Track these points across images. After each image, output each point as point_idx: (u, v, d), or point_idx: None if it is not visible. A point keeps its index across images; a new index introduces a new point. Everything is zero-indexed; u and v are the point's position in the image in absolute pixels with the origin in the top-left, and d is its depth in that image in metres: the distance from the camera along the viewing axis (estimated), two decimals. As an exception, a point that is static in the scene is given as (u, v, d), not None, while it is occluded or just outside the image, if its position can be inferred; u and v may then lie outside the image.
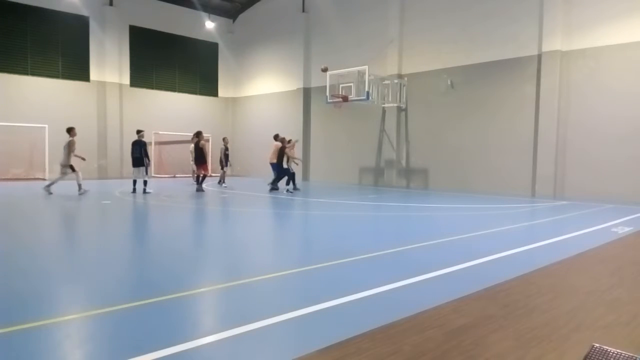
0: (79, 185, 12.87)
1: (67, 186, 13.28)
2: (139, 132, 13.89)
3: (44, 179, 19.14)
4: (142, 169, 13.60)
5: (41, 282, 4.40)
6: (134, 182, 13.79)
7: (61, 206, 10.93)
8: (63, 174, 13.03)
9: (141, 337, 3.01)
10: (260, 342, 2.96)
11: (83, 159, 13.12)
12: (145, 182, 13.69)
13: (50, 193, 12.81)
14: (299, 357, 2.66)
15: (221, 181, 17.33)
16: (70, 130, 12.90)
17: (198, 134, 14.92)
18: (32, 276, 4.59)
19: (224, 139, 17.80)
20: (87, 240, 7.03)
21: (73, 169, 12.87)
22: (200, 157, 14.73)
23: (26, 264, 5.11)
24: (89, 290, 4.21)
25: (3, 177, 18.48)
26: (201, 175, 14.70)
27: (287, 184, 14.94)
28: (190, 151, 16.53)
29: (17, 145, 19.00)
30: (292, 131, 20.60)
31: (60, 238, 7.34)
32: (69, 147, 12.76)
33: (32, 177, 19.40)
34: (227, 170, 17.73)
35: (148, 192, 13.52)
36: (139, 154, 13.51)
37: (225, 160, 17.24)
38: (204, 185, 15.02)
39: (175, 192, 14.57)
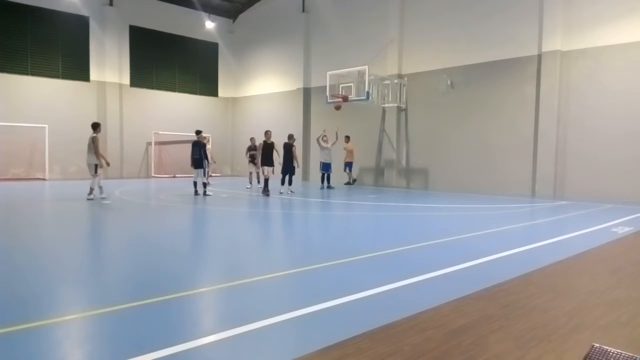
0: (91, 189, 11.62)
1: (71, 186, 13.13)
2: (198, 132, 13.46)
3: (43, 179, 19.17)
4: (201, 170, 13.11)
5: (43, 282, 4.40)
6: (195, 184, 13.31)
7: (62, 206, 10.92)
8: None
9: (141, 337, 3.01)
10: (260, 342, 2.96)
11: (107, 163, 11.95)
12: (204, 184, 13.26)
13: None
14: (299, 357, 2.66)
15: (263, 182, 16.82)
16: (95, 127, 11.75)
17: (267, 133, 14.03)
18: (33, 276, 4.59)
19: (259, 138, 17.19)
20: (85, 241, 7.03)
21: (95, 170, 11.60)
22: (268, 157, 13.76)
23: (26, 264, 5.11)
24: (89, 290, 4.21)
25: (3, 177, 18.49)
26: (267, 177, 13.70)
27: (290, 183, 14.55)
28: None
29: (17, 145, 19.00)
30: (292, 131, 20.58)
31: (61, 238, 7.34)
32: (93, 144, 11.58)
33: (32, 177, 19.41)
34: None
35: (208, 195, 13.03)
36: (199, 154, 13.04)
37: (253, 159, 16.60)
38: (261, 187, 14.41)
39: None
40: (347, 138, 17.71)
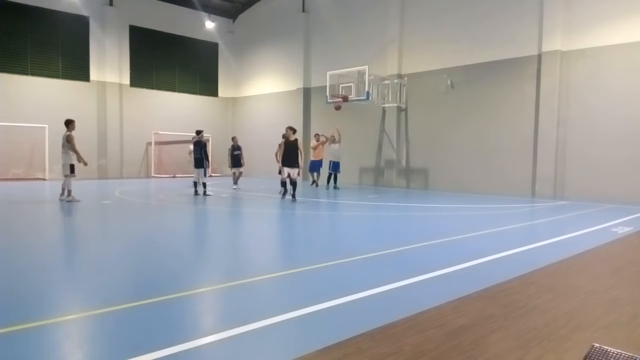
0: (63, 190, 11.23)
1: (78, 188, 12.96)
2: (198, 132, 13.38)
3: (43, 179, 19.17)
4: (202, 170, 13.01)
5: (43, 281, 4.40)
6: (195, 184, 13.23)
7: (62, 206, 10.91)
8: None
9: (141, 337, 3.01)
10: (260, 342, 2.96)
11: (85, 163, 11.28)
12: (204, 184, 13.20)
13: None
14: (299, 357, 2.66)
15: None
16: (69, 124, 11.15)
17: (288, 130, 12.77)
18: (33, 276, 4.59)
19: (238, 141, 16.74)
20: (85, 241, 7.03)
21: (71, 170, 11.11)
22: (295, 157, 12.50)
23: (26, 264, 5.11)
24: (89, 290, 4.21)
25: (3, 177, 18.48)
26: (294, 180, 12.40)
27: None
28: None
29: (17, 145, 18.99)
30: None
31: (60, 238, 7.33)
32: (68, 143, 11.02)
33: (32, 177, 19.40)
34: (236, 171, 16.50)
35: (209, 195, 12.97)
36: (199, 154, 12.96)
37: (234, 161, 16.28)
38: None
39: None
40: (318, 136, 17.48)
